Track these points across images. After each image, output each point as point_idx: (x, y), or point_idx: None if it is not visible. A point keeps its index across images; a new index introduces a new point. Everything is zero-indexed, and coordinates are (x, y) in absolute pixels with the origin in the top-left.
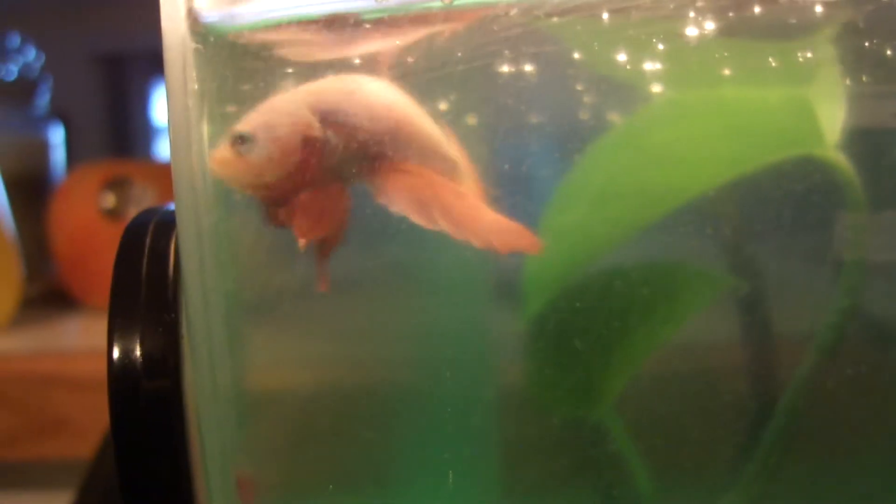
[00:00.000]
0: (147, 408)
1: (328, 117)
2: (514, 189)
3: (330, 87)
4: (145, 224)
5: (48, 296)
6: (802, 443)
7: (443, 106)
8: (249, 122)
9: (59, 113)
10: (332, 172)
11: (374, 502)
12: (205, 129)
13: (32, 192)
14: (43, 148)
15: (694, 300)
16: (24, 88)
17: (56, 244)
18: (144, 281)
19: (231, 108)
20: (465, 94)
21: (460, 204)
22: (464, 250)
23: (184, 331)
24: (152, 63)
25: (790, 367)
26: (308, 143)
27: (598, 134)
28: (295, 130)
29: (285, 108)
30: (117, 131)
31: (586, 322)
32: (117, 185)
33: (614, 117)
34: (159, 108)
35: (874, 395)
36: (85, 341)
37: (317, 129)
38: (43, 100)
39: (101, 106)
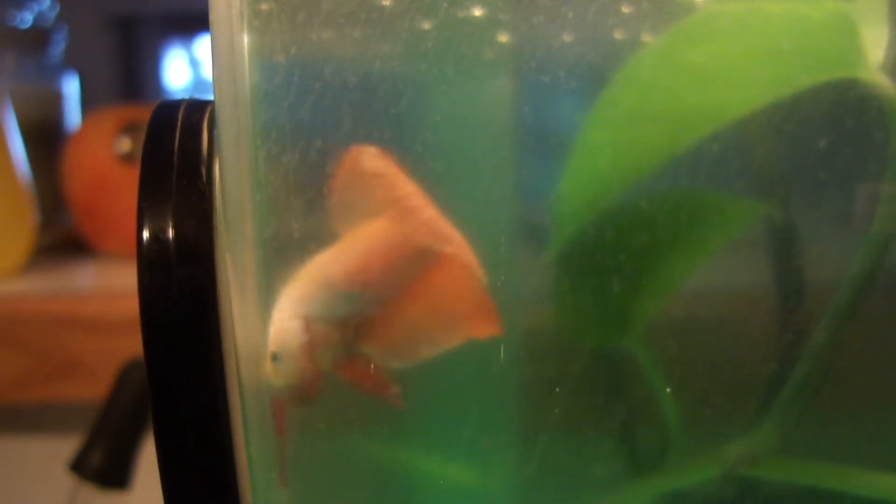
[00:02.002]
0: (179, 297)
1: (312, 322)
2: (545, 109)
3: (306, 286)
4: (177, 102)
5: (63, 244)
6: (835, 380)
7: (471, 20)
8: (272, 342)
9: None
10: (345, 349)
11: (391, 444)
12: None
13: (47, 140)
14: (57, 97)
15: (726, 228)
16: (38, 37)
17: (71, 190)
18: (177, 156)
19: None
20: (492, 13)
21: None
22: (489, 182)
23: (218, 210)
24: (165, 25)
25: (824, 300)
26: (312, 347)
27: (632, 51)
28: (299, 342)
29: (282, 325)
30: (129, 92)
31: (617, 249)
32: (132, 129)
33: (648, 34)
34: (171, 71)
35: None
36: (99, 284)
37: (312, 334)
38: (57, 49)
39: (113, 67)
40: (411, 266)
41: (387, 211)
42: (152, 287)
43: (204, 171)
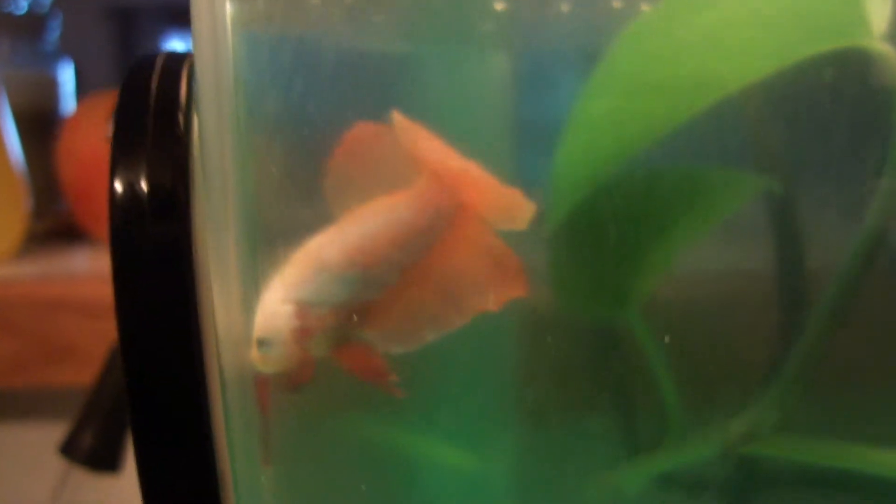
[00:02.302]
0: (153, 252)
1: (304, 307)
2: (542, 80)
3: (297, 271)
4: (157, 54)
5: (57, 231)
6: (837, 356)
7: None
8: (259, 328)
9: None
10: (341, 335)
11: (387, 421)
12: None
13: (41, 127)
14: (52, 84)
15: (726, 202)
16: (33, 23)
17: (65, 175)
18: (153, 106)
19: None
20: None
21: None
22: (485, 156)
23: (196, 159)
24: (163, 16)
25: (826, 276)
26: (304, 333)
27: (631, 20)
28: (290, 327)
29: (272, 309)
30: None
31: (615, 222)
32: None
33: (647, 2)
34: None
35: None
36: (93, 268)
37: (304, 320)
38: (52, 36)
39: (111, 57)
40: (420, 242)
41: (421, 168)
42: (125, 241)
43: (182, 118)
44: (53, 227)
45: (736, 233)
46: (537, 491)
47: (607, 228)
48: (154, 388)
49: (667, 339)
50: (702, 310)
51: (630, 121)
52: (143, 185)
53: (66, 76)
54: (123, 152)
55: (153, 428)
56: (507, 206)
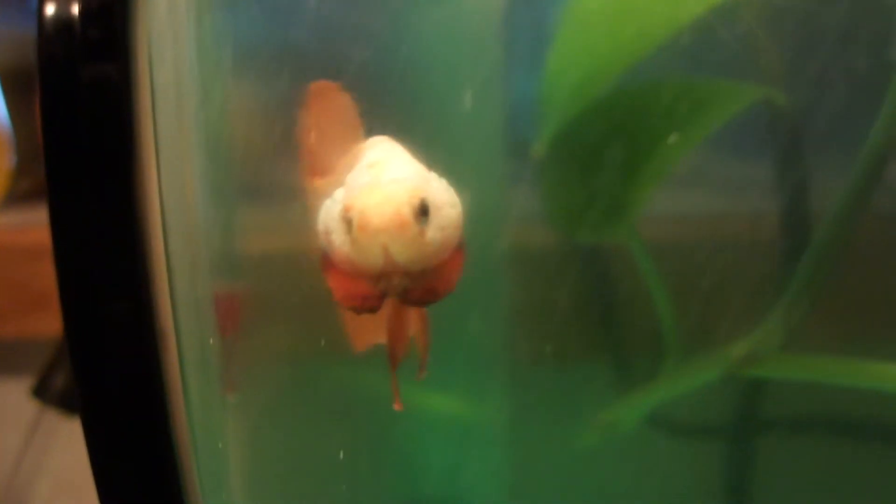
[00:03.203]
0: (88, 92)
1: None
2: None
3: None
4: None
5: (40, 191)
6: (842, 273)
7: None
8: (415, 189)
9: None
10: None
11: (377, 370)
12: None
13: (26, 85)
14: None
15: (720, 111)
16: None
17: None
18: None
19: None
20: None
21: None
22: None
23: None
24: None
25: (827, 195)
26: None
27: None
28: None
29: (424, 174)
30: None
31: (611, 135)
32: None
33: None
34: None
35: None
36: None
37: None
38: None
39: None
40: None
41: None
42: (53, 89)
43: None
44: (37, 185)
45: (737, 145)
46: (531, 436)
47: (601, 144)
48: (86, 293)
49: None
50: (700, 224)
51: (625, 21)
52: (75, 10)
53: None
54: None
55: (92, 347)
56: None
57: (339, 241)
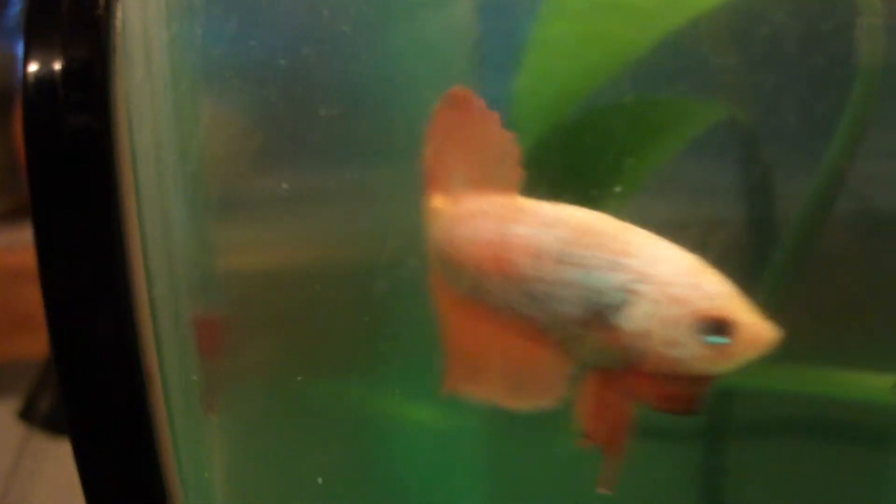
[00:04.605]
0: (71, 141)
1: None
2: (499, 8)
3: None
4: None
5: (18, 211)
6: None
7: None
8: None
9: None
10: None
11: (357, 382)
12: None
13: (2, 104)
14: (13, 60)
15: (686, 130)
16: None
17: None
18: None
19: None
20: None
21: None
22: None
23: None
24: None
25: (791, 202)
26: None
27: None
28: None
29: (726, 289)
30: None
31: (583, 152)
32: None
33: None
34: None
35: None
36: None
37: None
38: (14, 10)
39: None
40: None
41: None
42: (36, 131)
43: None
44: (15, 206)
45: (702, 156)
46: (509, 444)
47: (569, 165)
48: (69, 305)
49: None
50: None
51: (589, 45)
52: (58, 66)
53: None
54: (36, 32)
55: (78, 370)
56: None
57: (685, 348)
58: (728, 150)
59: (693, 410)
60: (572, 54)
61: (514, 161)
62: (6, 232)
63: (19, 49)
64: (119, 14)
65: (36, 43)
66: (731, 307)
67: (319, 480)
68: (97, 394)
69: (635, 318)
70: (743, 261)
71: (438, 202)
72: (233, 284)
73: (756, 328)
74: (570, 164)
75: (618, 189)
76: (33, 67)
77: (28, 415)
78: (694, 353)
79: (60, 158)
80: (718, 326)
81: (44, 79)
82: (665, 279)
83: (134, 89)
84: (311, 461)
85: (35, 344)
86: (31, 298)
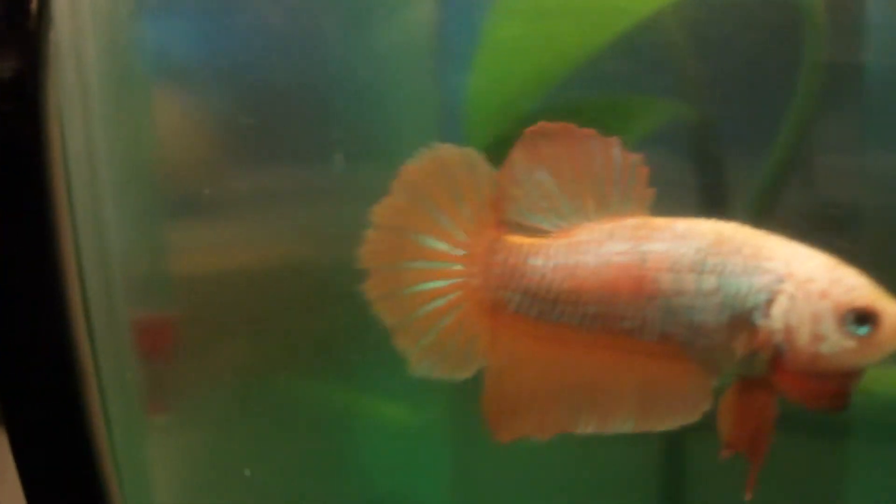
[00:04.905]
0: (2, 149)
1: None
2: (461, 14)
3: None
4: None
5: None
6: None
7: None
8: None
9: None
10: None
11: (324, 380)
12: None
13: None
14: None
15: (642, 126)
16: None
17: None
18: None
19: None
20: None
21: None
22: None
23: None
24: None
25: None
26: None
27: None
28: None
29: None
30: None
31: None
32: None
33: None
34: None
35: None
36: None
37: None
38: None
39: None
40: None
41: None
42: None
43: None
44: None
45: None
46: (471, 437)
47: None
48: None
49: None
50: None
51: (541, 47)
52: None
53: None
54: None
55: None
56: None
57: (831, 342)
58: (679, 145)
59: (843, 406)
60: (523, 56)
61: (644, 181)
62: None
63: None
64: (49, 27)
65: None
66: (872, 297)
67: (247, 472)
68: (31, 389)
69: (781, 317)
70: None
71: (512, 238)
72: (181, 286)
73: None
74: None
75: None
76: None
77: None
78: (841, 345)
79: None
80: (863, 316)
81: None
82: (805, 276)
83: (65, 97)
84: (266, 458)
85: None
86: None
